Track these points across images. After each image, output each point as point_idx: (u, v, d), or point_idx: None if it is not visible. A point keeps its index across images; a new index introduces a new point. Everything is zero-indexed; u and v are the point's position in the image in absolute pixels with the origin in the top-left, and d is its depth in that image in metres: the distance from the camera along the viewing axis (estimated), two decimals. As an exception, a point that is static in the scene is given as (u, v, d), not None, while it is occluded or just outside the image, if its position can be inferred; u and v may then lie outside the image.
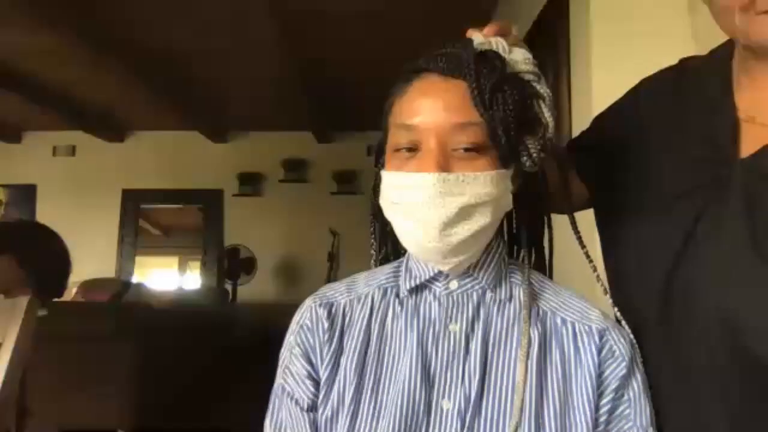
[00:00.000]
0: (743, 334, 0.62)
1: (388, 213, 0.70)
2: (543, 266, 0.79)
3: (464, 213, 0.63)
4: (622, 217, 0.77)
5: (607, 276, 0.79)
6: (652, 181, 0.75)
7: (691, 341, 0.67)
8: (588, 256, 0.78)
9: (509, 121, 0.64)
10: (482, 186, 0.64)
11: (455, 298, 0.70)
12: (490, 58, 0.67)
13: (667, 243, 0.69)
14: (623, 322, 0.72)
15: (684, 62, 0.82)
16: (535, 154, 0.67)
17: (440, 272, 0.71)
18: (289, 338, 0.74)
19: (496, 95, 0.64)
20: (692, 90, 0.77)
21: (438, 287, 0.71)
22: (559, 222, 0.81)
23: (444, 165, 0.63)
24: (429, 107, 0.65)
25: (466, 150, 0.64)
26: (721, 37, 0.73)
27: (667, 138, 0.76)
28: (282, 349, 0.75)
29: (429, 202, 0.63)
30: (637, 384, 0.68)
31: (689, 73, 0.79)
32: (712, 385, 0.65)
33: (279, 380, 0.73)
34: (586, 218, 0.86)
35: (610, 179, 0.81)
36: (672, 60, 0.84)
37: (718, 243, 0.65)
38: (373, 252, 0.81)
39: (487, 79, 0.64)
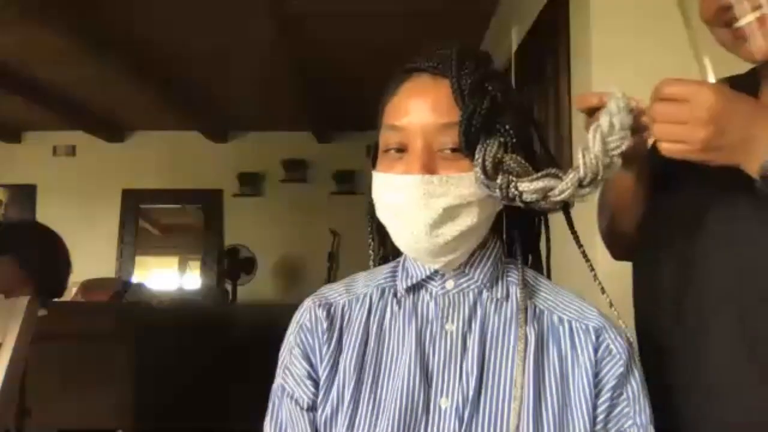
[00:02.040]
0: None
1: (380, 213, 0.70)
2: (539, 266, 0.79)
3: (450, 213, 0.64)
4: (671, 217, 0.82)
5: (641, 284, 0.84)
6: (699, 186, 0.78)
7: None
8: (585, 255, 0.78)
9: (472, 116, 0.63)
10: (466, 187, 0.64)
11: (451, 297, 0.70)
12: (475, 56, 0.67)
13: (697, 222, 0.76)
14: (621, 321, 0.72)
15: (723, 81, 0.87)
16: (489, 161, 0.63)
17: (436, 272, 0.71)
18: (289, 338, 0.74)
19: (475, 92, 0.64)
20: None
21: (434, 287, 0.71)
22: (559, 222, 0.81)
23: (429, 166, 0.64)
24: (416, 108, 0.65)
25: (452, 150, 0.64)
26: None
27: None
28: (281, 349, 0.75)
29: (414, 203, 0.63)
30: (635, 382, 0.68)
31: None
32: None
33: (279, 380, 0.74)
34: (584, 218, 0.86)
35: (664, 187, 0.85)
36: (671, 61, 0.84)
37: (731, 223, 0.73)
38: (371, 252, 0.82)
39: (469, 77, 0.64)
